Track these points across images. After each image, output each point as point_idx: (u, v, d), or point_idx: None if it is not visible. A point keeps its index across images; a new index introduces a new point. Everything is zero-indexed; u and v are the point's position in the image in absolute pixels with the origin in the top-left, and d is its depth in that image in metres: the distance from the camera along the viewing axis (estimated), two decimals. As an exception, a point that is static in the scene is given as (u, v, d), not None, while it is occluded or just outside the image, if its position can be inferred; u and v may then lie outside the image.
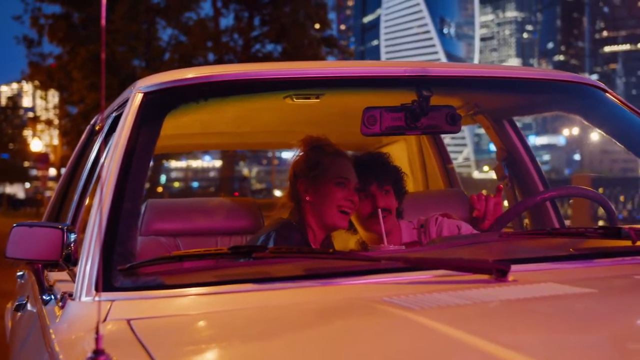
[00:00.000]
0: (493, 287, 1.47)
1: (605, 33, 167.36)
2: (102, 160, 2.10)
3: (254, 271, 1.58)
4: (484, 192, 2.56)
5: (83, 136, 3.21)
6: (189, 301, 1.46)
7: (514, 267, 1.53)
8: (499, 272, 1.51)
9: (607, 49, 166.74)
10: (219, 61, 23.20)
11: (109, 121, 2.22)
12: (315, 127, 3.00)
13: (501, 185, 2.27)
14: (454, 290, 1.44)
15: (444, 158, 3.59)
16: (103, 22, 1.11)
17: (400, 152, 3.59)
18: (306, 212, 2.39)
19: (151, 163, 1.89)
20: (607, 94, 2.28)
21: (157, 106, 1.87)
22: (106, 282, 1.47)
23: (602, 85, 2.32)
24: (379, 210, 2.34)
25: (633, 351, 1.15)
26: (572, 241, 1.87)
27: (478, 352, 1.10)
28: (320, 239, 2.40)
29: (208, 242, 2.59)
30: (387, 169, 2.56)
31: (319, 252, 1.88)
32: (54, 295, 1.81)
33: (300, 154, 2.49)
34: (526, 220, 3.09)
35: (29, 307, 2.31)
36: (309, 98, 2.31)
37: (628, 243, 1.71)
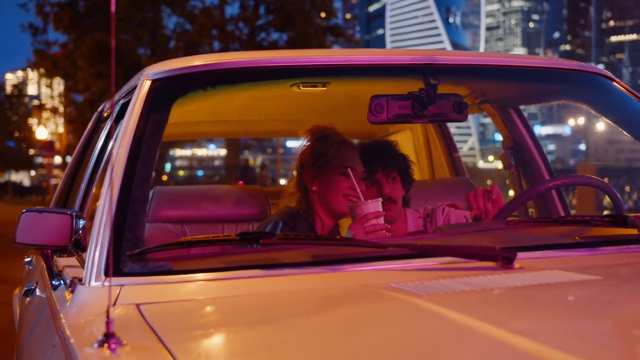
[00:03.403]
0: (499, 274, 1.48)
1: (612, 22, 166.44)
2: (110, 147, 2.11)
3: (261, 257, 1.59)
4: (489, 182, 2.54)
5: (90, 123, 3.22)
6: (197, 286, 1.47)
7: (520, 255, 1.54)
8: (505, 260, 1.52)
9: (614, 38, 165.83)
10: (224, 50, 23.16)
11: (117, 108, 2.23)
12: (321, 116, 3.01)
13: (495, 185, 2.25)
14: (461, 277, 1.45)
15: (450, 147, 3.60)
16: (113, 8, 1.12)
17: (407, 140, 3.59)
18: (314, 201, 2.40)
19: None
20: (614, 82, 2.27)
21: (165, 93, 1.88)
22: (115, 267, 1.48)
23: (609, 74, 2.31)
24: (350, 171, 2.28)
25: (638, 338, 1.16)
26: (579, 229, 1.88)
27: (485, 338, 1.11)
28: (328, 227, 2.41)
29: (215, 229, 2.60)
30: (394, 157, 2.55)
31: (326, 238, 1.89)
32: (63, 281, 1.83)
33: (307, 144, 2.50)
34: (531, 210, 3.09)
35: (38, 292, 2.33)
36: (315, 86, 2.31)
37: (634, 231, 1.72)
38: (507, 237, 1.86)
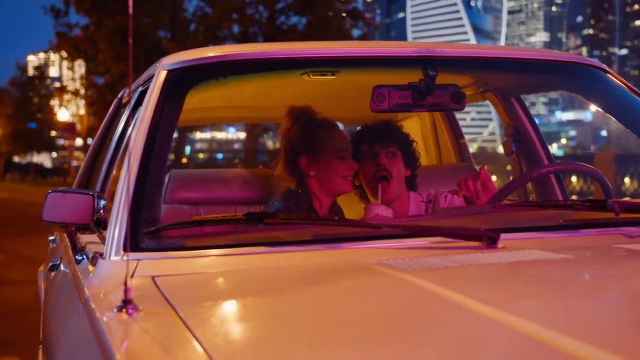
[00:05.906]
0: (482, 253, 1.59)
1: (636, 6, 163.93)
2: (129, 132, 2.26)
3: (266, 236, 1.71)
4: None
5: (111, 108, 3.35)
6: (208, 261, 1.60)
7: (503, 236, 1.64)
8: (489, 240, 1.62)
9: (638, 22, 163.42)
10: (243, 33, 23.24)
11: (136, 95, 2.36)
12: (331, 103, 3.14)
13: (483, 167, 2.37)
14: (447, 255, 1.57)
15: (456, 133, 3.70)
16: (130, 10, 1.26)
17: (414, 127, 3.69)
18: (311, 185, 2.51)
19: (175, 135, 2.04)
20: (608, 74, 2.37)
21: (180, 83, 2.00)
22: (133, 243, 1.61)
23: (603, 66, 2.41)
24: (379, 184, 2.43)
25: (608, 313, 1.26)
26: (561, 213, 1.98)
27: (462, 308, 1.22)
28: (327, 205, 2.53)
29: (228, 210, 2.72)
30: (393, 133, 2.65)
31: (326, 219, 2.03)
32: (85, 255, 1.97)
33: (289, 126, 2.60)
34: (532, 195, 3.21)
35: (62, 267, 2.47)
36: (325, 75, 2.43)
37: (612, 215, 1.82)
38: (494, 220, 1.96)
